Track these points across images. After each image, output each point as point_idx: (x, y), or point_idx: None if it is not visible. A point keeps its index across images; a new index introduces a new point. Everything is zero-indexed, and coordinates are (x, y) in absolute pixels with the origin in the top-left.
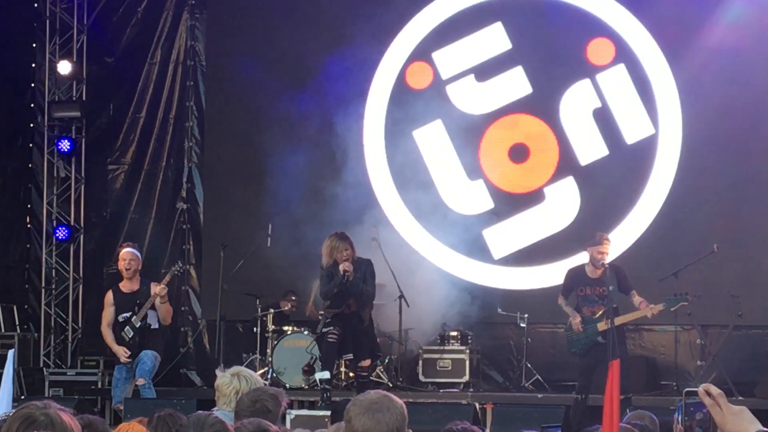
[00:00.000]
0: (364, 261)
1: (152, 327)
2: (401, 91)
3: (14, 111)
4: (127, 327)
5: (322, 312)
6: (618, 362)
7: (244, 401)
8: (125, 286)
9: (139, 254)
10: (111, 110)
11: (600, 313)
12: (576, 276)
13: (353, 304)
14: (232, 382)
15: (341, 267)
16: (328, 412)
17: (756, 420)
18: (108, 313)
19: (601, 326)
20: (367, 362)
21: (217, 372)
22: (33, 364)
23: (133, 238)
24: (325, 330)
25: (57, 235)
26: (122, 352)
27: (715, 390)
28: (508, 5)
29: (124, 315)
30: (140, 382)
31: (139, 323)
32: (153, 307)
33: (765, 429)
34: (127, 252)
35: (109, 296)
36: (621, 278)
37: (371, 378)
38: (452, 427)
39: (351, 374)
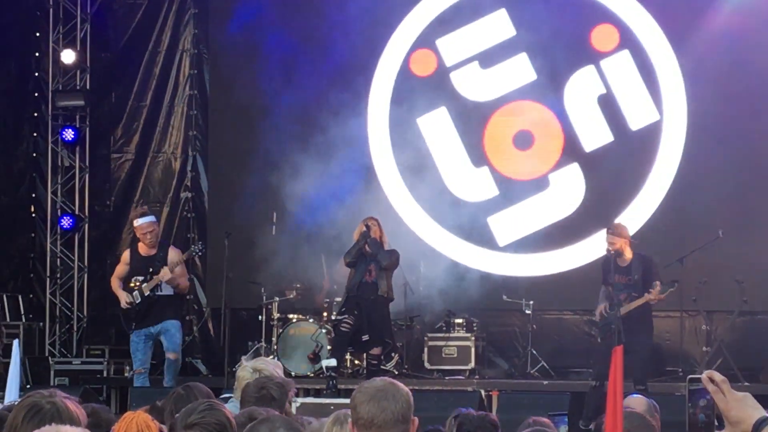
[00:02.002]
0: (391, 249)
1: (166, 294)
2: (405, 79)
3: (18, 100)
4: (136, 292)
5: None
6: (621, 349)
7: (250, 388)
8: (143, 249)
9: (151, 219)
10: (114, 99)
11: (624, 300)
12: (606, 264)
13: (373, 271)
14: (253, 376)
15: (364, 223)
16: (334, 400)
17: (760, 406)
18: (121, 269)
19: (624, 310)
20: (377, 350)
21: (243, 360)
22: (38, 354)
23: None
24: (339, 318)
25: (62, 224)
26: (124, 297)
27: (718, 376)
28: None
29: (137, 278)
30: (172, 356)
31: (149, 292)
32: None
33: None
34: (145, 224)
35: (126, 255)
36: (646, 269)
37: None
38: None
39: (357, 361)
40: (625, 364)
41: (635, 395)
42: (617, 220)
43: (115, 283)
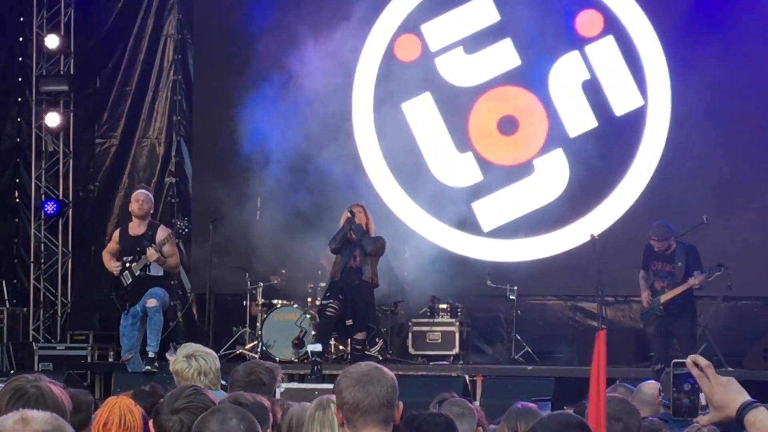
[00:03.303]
0: (377, 236)
1: (155, 275)
2: (390, 64)
3: (1, 86)
4: (126, 272)
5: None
6: (604, 333)
7: (239, 373)
8: (132, 228)
9: (150, 195)
10: (99, 84)
11: (666, 287)
12: (648, 250)
13: (358, 256)
14: (191, 364)
15: (349, 210)
16: (318, 385)
17: (744, 390)
18: (111, 247)
19: (665, 297)
20: (362, 335)
21: (168, 356)
22: (23, 339)
23: (122, 211)
24: (325, 302)
25: (45, 209)
26: (114, 266)
27: (703, 361)
28: None
29: (126, 258)
30: (151, 303)
31: (139, 271)
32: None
33: (753, 399)
34: (140, 192)
35: (116, 235)
36: (690, 257)
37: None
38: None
39: (341, 347)
40: (672, 346)
41: (649, 381)
42: (657, 222)
43: (107, 257)
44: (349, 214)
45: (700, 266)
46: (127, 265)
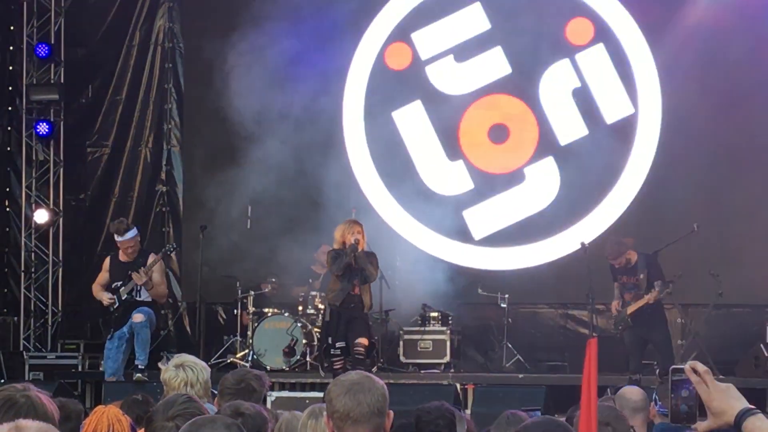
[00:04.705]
0: (370, 252)
1: (144, 300)
2: (380, 72)
3: None
4: (115, 296)
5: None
6: (595, 341)
7: (228, 380)
8: (123, 257)
9: (133, 234)
10: (90, 93)
11: (632, 299)
12: (612, 268)
13: (357, 286)
14: (179, 374)
15: (351, 237)
16: (309, 393)
17: (742, 397)
18: (102, 277)
19: (630, 309)
20: (364, 340)
21: (160, 365)
22: (13, 348)
23: (113, 221)
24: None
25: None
26: (106, 296)
27: (701, 367)
28: None
29: (116, 283)
30: (137, 318)
31: (126, 295)
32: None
33: (751, 406)
34: (127, 240)
35: (107, 262)
36: (651, 268)
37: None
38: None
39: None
40: (646, 355)
41: (630, 386)
42: (609, 241)
43: (96, 288)
44: (351, 239)
45: (660, 275)
46: (114, 286)
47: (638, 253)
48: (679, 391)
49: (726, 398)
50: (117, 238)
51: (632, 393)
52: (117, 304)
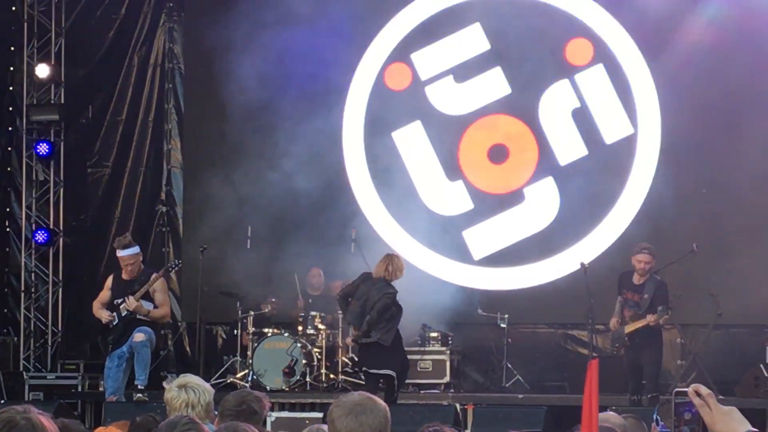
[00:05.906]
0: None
1: (141, 317)
2: (380, 92)
3: None
4: (115, 314)
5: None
6: (596, 362)
7: (230, 402)
8: (125, 274)
9: (134, 252)
10: (90, 113)
11: (630, 317)
12: (622, 279)
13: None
14: (180, 395)
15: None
16: (309, 414)
17: (745, 420)
18: (103, 295)
19: (628, 329)
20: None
21: (165, 385)
22: (13, 368)
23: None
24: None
25: (36, 238)
26: (106, 314)
27: (704, 390)
28: (487, 6)
29: (118, 300)
30: (138, 337)
31: (125, 312)
32: (147, 297)
33: (754, 429)
34: (128, 256)
35: (109, 281)
36: (658, 292)
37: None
38: (425, 430)
39: (332, 375)
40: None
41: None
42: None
43: (96, 306)
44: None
45: (665, 302)
46: (115, 302)
47: (651, 274)
48: (682, 414)
49: (729, 421)
50: (117, 252)
51: (609, 418)
52: (116, 321)
